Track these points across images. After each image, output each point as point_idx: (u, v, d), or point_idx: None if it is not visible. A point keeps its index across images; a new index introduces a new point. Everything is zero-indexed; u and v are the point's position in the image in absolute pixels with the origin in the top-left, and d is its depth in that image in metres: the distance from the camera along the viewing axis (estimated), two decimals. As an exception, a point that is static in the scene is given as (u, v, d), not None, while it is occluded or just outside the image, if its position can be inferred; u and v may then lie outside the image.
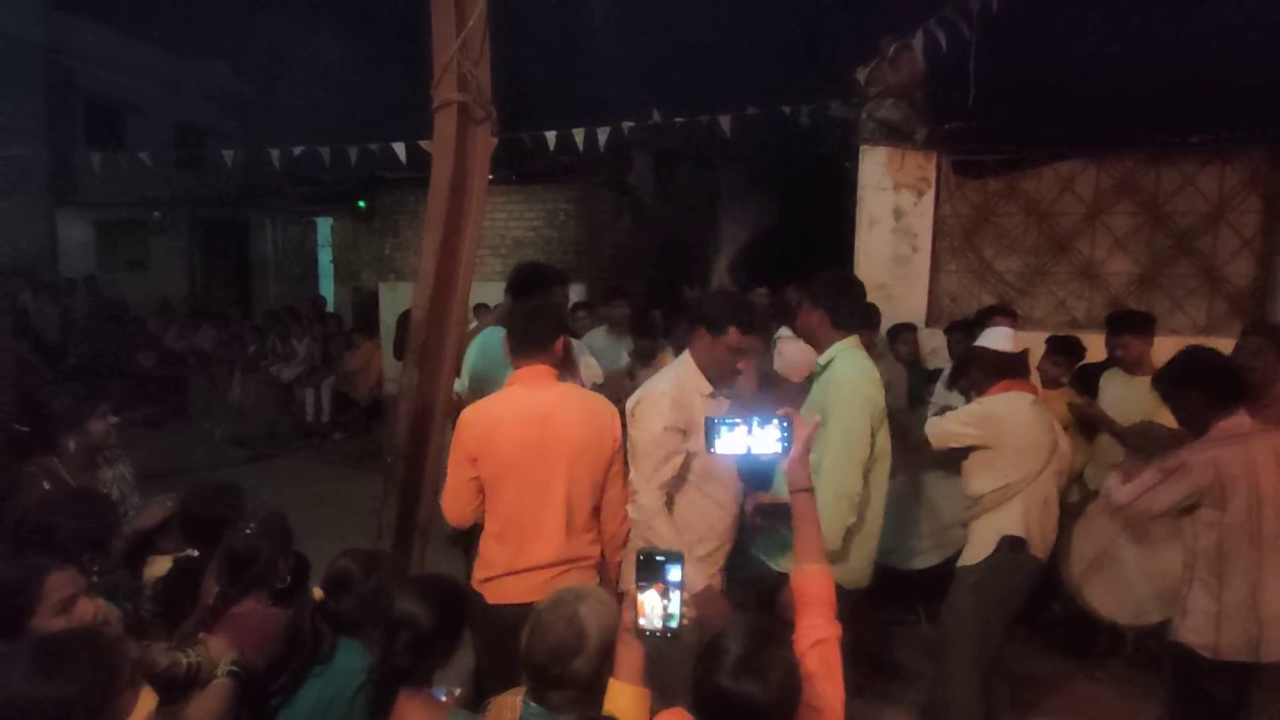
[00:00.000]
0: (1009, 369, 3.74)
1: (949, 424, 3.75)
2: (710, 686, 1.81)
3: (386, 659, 2.24)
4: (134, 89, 16.23)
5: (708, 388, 3.15)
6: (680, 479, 3.12)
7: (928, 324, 6.57)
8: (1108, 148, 6.47)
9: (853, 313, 3.40)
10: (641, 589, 2.08)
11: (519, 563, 2.97)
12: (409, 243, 11.14)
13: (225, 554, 2.68)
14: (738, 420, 2.24)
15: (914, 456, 4.10)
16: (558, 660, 2.10)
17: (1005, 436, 3.60)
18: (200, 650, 2.36)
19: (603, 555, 3.11)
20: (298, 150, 8.47)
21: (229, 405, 11.49)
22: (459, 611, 2.39)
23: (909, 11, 6.31)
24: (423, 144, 3.43)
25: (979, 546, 3.67)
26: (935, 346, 6.33)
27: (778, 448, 2.23)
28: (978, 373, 3.83)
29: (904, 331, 6.04)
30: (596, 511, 3.08)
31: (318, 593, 2.45)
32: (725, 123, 7.20)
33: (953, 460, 3.87)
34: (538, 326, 3.01)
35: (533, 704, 2.14)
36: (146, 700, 1.96)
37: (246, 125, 16.71)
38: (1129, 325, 4.85)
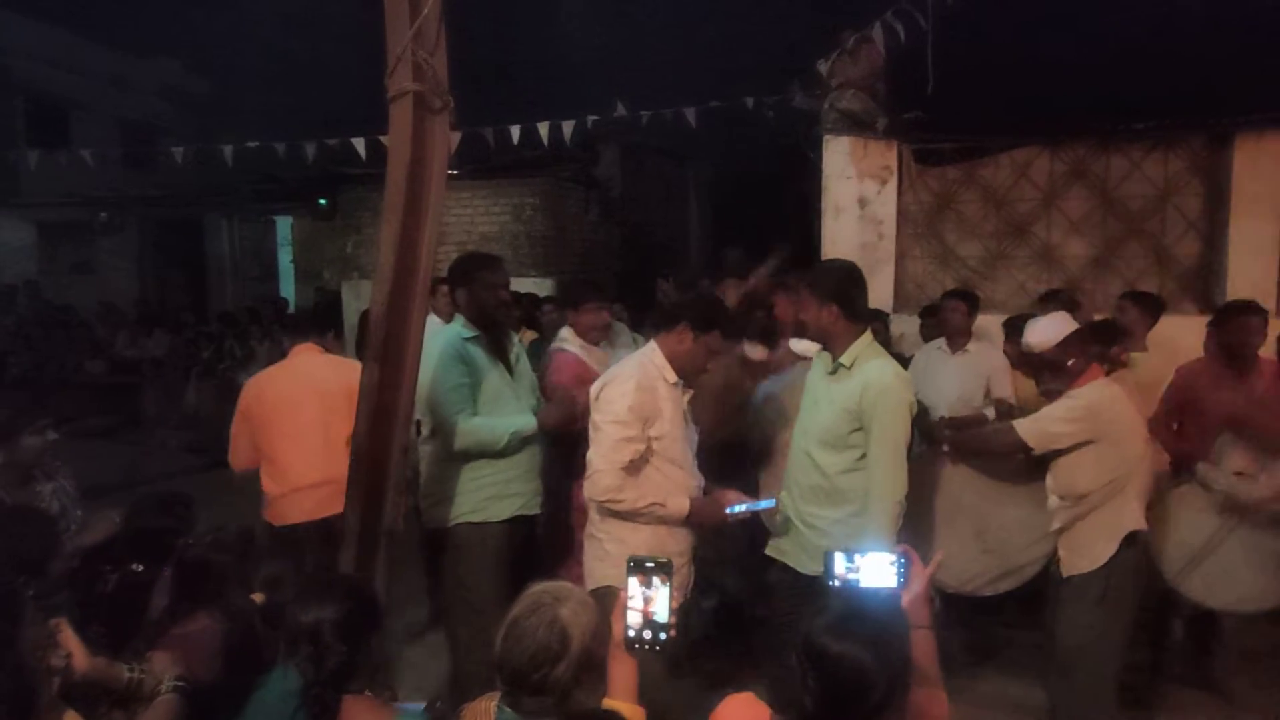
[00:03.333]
0: (1088, 345, 3.52)
1: (1049, 425, 3.45)
2: (815, 645, 1.76)
3: (319, 665, 2.13)
4: (78, 86, 15.80)
5: (673, 376, 3.28)
6: (641, 460, 3.20)
7: (894, 310, 6.63)
8: (1060, 136, 6.62)
9: (864, 303, 3.39)
10: (630, 600, 2.04)
11: (286, 486, 3.92)
12: (372, 240, 10.96)
13: (176, 567, 2.57)
14: (857, 553, 2.20)
15: (983, 484, 3.94)
16: (538, 666, 2.01)
17: (1110, 426, 3.36)
18: (145, 666, 2.27)
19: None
20: (252, 146, 8.29)
21: (184, 413, 11.24)
22: (368, 599, 2.31)
23: (868, 4, 6.35)
24: (383, 139, 3.35)
25: (1097, 550, 3.40)
26: (902, 332, 6.38)
27: (893, 582, 2.18)
28: (1071, 366, 3.47)
29: (874, 320, 6.02)
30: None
31: (258, 597, 2.36)
32: (690, 115, 7.18)
33: (1013, 484, 3.71)
34: (315, 319, 4.42)
35: (507, 710, 2.05)
36: None
37: (200, 122, 16.36)
38: (1135, 295, 4.97)
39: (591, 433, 3.26)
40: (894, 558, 2.19)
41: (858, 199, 6.68)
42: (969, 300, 5.21)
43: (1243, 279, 6.07)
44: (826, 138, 6.70)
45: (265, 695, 2.22)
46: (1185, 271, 6.54)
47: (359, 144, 7.40)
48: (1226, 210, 6.24)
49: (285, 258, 15.27)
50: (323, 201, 11.66)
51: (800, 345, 4.20)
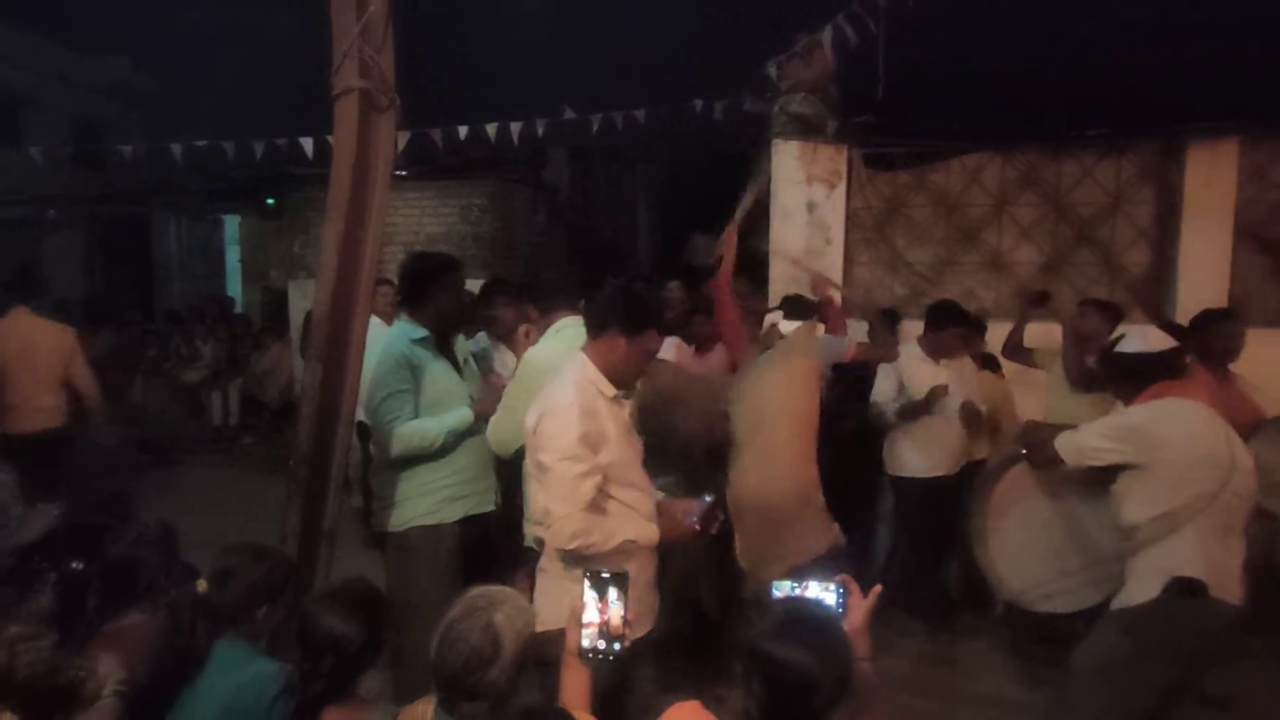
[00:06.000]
0: (1160, 370, 3.13)
1: (1087, 438, 3.15)
2: (759, 652, 1.81)
3: (311, 682, 2.12)
4: (27, 82, 15.41)
5: (611, 390, 2.95)
6: (600, 494, 2.86)
7: (843, 315, 6.65)
8: (1011, 141, 6.65)
9: (548, 287, 3.81)
10: (585, 610, 2.06)
11: (28, 405, 5.62)
12: (319, 240, 10.82)
13: (100, 565, 2.53)
14: (797, 583, 2.22)
15: (1057, 474, 3.50)
16: (471, 671, 2.02)
17: (1163, 452, 2.97)
18: (89, 665, 2.23)
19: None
20: (200, 144, 8.17)
21: (130, 410, 11.03)
22: (380, 617, 2.28)
23: (819, 7, 6.38)
24: (330, 138, 3.31)
25: (1141, 587, 3.01)
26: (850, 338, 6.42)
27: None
28: (1122, 383, 3.25)
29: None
30: (65, 384, 5.81)
31: (202, 585, 2.33)
32: (640, 117, 7.18)
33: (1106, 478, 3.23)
34: (28, 289, 6.41)
35: (445, 714, 2.07)
36: None
37: (150, 120, 16.05)
38: (1097, 302, 5.09)
39: (536, 474, 2.92)
40: (833, 587, 2.19)
41: (806, 203, 6.68)
42: (971, 325, 5.33)
43: (1193, 288, 6.12)
44: (775, 141, 6.67)
45: (243, 672, 2.24)
46: (1135, 280, 6.58)
47: (307, 144, 7.32)
48: (1178, 219, 6.28)
49: (233, 257, 15.05)
50: (270, 201, 11.50)
51: (787, 324, 4.24)
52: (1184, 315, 5.94)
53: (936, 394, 4.92)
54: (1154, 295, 6.48)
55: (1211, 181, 6.19)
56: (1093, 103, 6.30)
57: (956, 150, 6.76)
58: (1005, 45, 6.81)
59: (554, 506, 2.79)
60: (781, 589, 2.18)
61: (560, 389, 2.90)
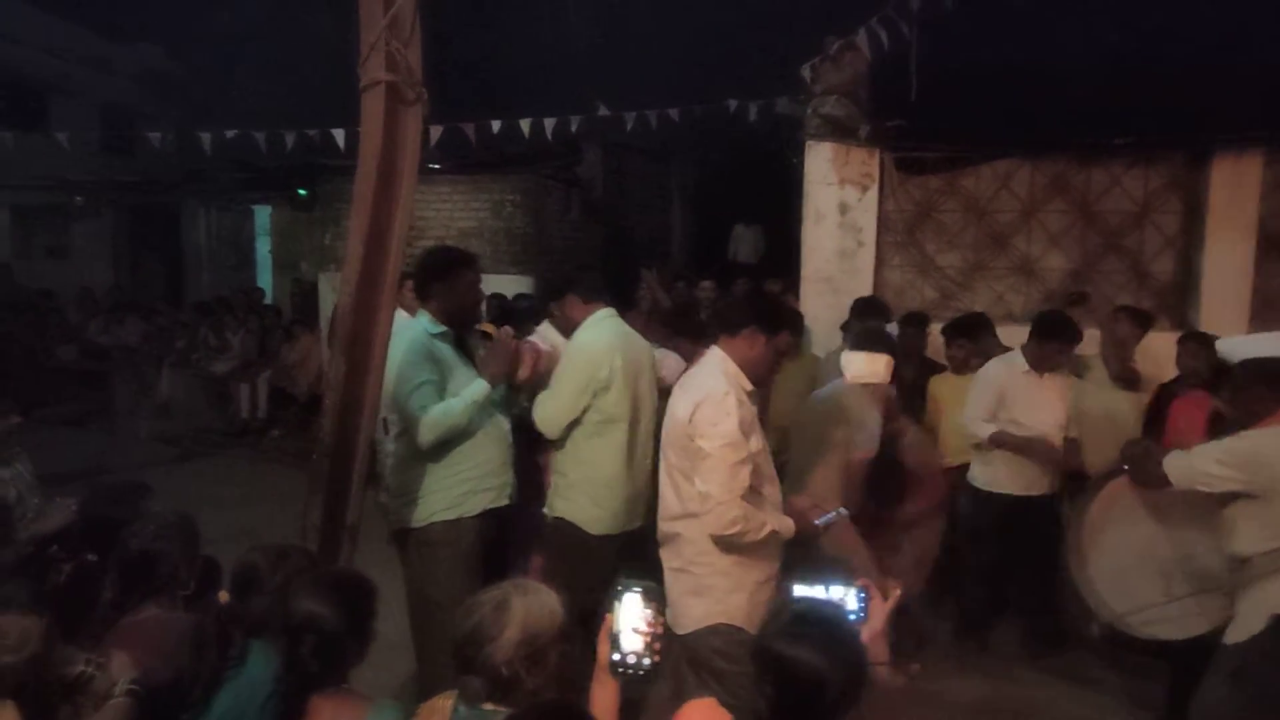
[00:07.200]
0: None
1: (1201, 461, 2.97)
2: (768, 651, 1.81)
3: (293, 666, 2.10)
4: (57, 69, 15.58)
5: (749, 385, 3.08)
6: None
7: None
8: (1041, 148, 6.65)
9: (595, 279, 3.89)
10: (617, 624, 2.03)
11: None
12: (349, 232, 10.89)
13: (118, 558, 2.52)
14: (816, 585, 2.20)
15: (1161, 495, 3.32)
16: (472, 643, 2.02)
17: (1277, 483, 2.81)
18: (101, 661, 2.22)
19: None
20: (231, 134, 8.20)
21: (157, 401, 11.11)
22: (365, 605, 2.26)
23: (853, 9, 6.34)
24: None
25: (1245, 624, 2.87)
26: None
27: (851, 615, 2.16)
28: (1253, 393, 2.98)
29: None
30: None
31: (223, 595, 2.32)
32: (674, 116, 7.16)
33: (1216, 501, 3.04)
34: None
35: (462, 708, 2.05)
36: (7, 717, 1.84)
37: (181, 109, 16.19)
38: (1128, 309, 5.13)
39: (685, 463, 2.99)
40: (854, 591, 2.18)
41: (838, 205, 6.66)
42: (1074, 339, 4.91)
43: (1218, 298, 6.15)
44: (809, 143, 6.67)
45: (246, 671, 2.23)
46: (1161, 289, 6.60)
47: (339, 135, 7.33)
48: (1203, 228, 6.30)
49: (263, 247, 15.13)
50: (302, 192, 11.55)
51: (853, 363, 4.05)
52: (1207, 323, 5.92)
53: (1036, 448, 4.67)
54: (1179, 303, 6.49)
55: (1235, 192, 6.22)
56: (1122, 111, 6.27)
57: (987, 156, 6.75)
58: (1036, 52, 6.75)
59: (714, 491, 2.85)
60: (801, 590, 2.17)
61: (711, 379, 3.02)
